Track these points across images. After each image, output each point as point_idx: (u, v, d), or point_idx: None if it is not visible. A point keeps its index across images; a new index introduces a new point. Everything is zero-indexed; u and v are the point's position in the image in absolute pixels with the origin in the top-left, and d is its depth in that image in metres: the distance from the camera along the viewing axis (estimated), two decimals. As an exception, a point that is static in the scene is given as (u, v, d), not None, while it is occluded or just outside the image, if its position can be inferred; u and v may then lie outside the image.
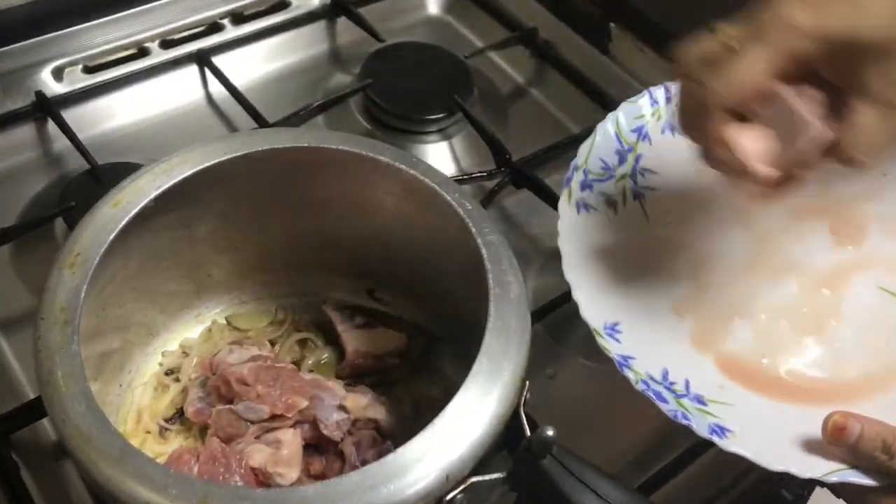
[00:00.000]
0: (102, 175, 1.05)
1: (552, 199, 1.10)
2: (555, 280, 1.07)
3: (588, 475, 0.59)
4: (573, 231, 0.83)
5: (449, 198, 0.74)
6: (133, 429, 0.80)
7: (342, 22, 1.32)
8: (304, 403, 0.78)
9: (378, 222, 0.85)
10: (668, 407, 0.71)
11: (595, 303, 0.77)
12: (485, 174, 1.13)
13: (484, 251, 0.71)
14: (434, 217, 0.78)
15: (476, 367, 0.64)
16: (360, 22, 1.29)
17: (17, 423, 0.82)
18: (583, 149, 0.87)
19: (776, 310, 0.84)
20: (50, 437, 0.84)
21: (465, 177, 1.11)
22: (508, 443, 0.65)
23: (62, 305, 0.64)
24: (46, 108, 1.06)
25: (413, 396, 0.87)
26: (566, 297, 1.00)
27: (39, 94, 1.07)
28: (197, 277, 0.88)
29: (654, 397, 0.71)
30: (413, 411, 0.86)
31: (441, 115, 1.20)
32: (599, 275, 0.81)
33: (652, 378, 0.73)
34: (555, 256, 1.10)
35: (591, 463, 0.61)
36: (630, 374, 0.72)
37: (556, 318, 1.01)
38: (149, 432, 0.81)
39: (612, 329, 0.76)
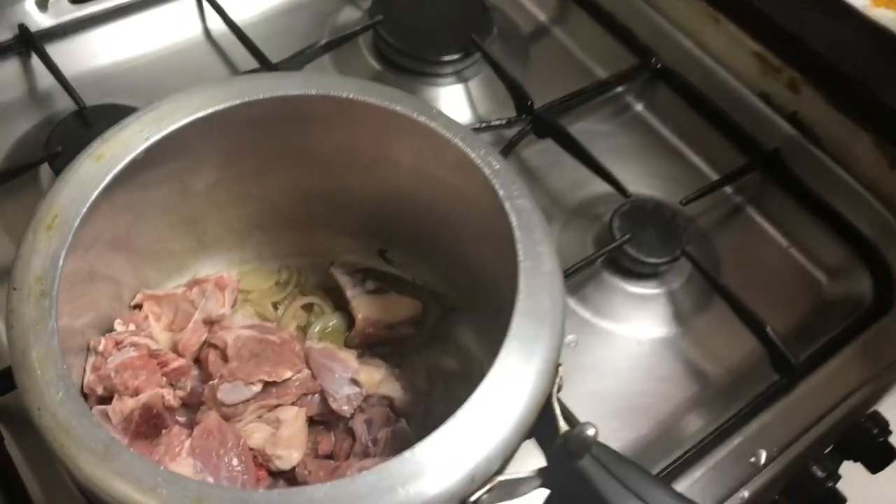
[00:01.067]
0: (91, 117, 0.97)
1: (577, 151, 1.03)
2: (578, 239, 1.00)
3: (632, 478, 0.52)
4: None
5: (473, 155, 0.66)
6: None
7: (351, -48, 1.22)
8: (287, 374, 0.71)
9: (392, 179, 0.78)
10: None
11: None
12: (504, 122, 1.05)
13: (513, 217, 0.63)
14: (455, 175, 0.70)
15: (504, 352, 0.57)
16: (369, -47, 1.18)
17: (1, 389, 0.75)
18: None
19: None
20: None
21: (483, 125, 1.03)
22: (538, 430, 0.58)
23: (37, 275, 0.57)
24: (30, 42, 0.99)
25: (428, 369, 0.80)
26: (590, 258, 0.94)
27: (22, 27, 1.00)
28: (193, 236, 0.80)
29: None
30: (428, 384, 0.79)
31: (457, 56, 1.10)
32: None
33: None
34: (578, 213, 1.04)
35: (634, 463, 0.54)
36: None
37: (578, 281, 0.95)
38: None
39: None
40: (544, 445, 0.58)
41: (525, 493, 0.58)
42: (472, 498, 0.53)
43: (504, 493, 0.56)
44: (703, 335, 0.95)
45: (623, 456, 0.55)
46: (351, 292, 0.80)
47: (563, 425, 0.56)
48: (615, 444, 0.89)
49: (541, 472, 0.56)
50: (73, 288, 0.66)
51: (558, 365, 0.58)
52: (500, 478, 0.54)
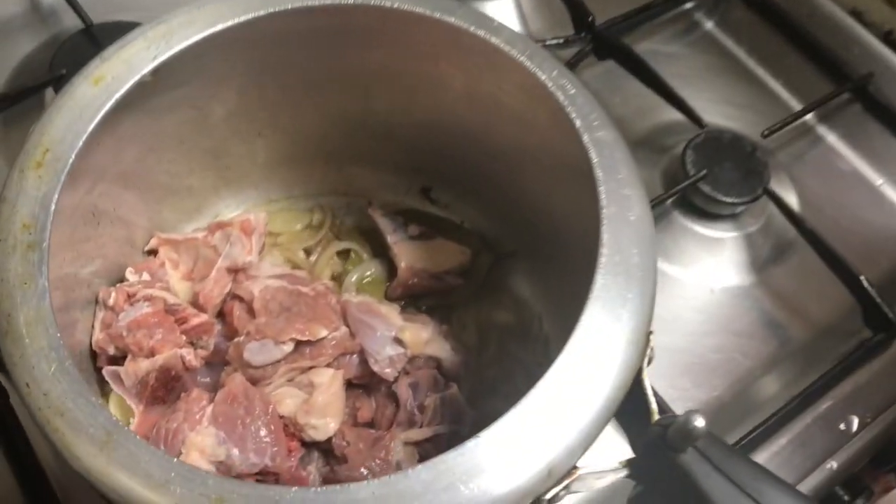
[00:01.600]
0: (99, 35, 0.87)
1: (644, 74, 0.92)
2: (645, 174, 0.89)
3: (744, 475, 0.43)
4: None
5: (543, 77, 0.55)
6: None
7: None
8: (322, 332, 0.62)
9: (440, 105, 0.67)
10: None
11: None
12: (560, 41, 0.94)
13: (593, 153, 0.52)
14: (518, 101, 0.59)
15: (585, 318, 0.47)
16: None
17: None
18: None
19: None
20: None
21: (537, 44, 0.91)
22: (622, 411, 0.48)
23: (25, 222, 0.47)
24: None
25: (478, 323, 0.71)
26: (661, 198, 0.84)
27: (23, -64, 0.87)
28: (214, 171, 0.71)
29: None
30: (479, 342, 0.70)
31: (506, -34, 0.98)
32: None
33: None
34: (644, 145, 0.93)
35: (746, 458, 0.45)
36: None
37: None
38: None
39: None
40: (630, 430, 0.48)
41: (600, 487, 0.48)
42: (549, 495, 0.44)
43: (581, 485, 0.46)
44: (783, 285, 0.85)
45: (733, 448, 0.45)
46: (392, 237, 0.71)
47: (655, 408, 0.46)
48: (685, 405, 0.82)
49: (629, 465, 0.46)
50: (74, 231, 0.57)
51: (649, 333, 0.48)
52: (582, 471, 0.45)
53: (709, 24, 1.04)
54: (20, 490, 0.65)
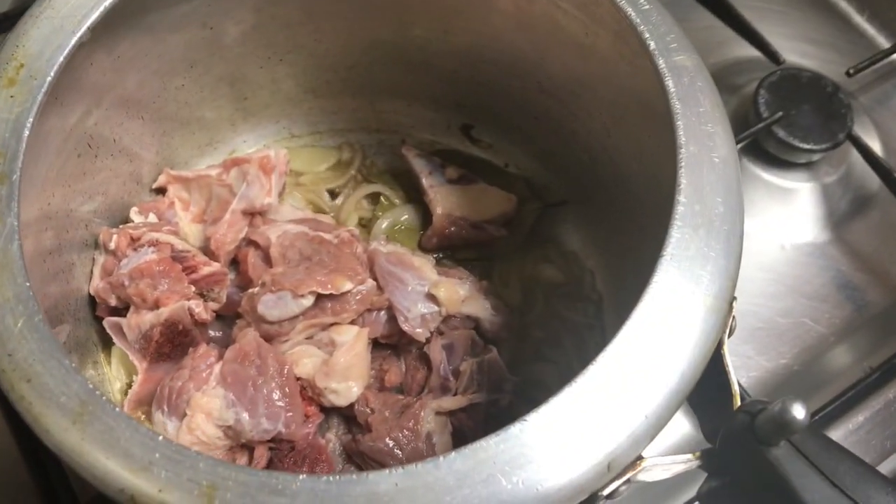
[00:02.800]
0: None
1: (713, 1, 0.82)
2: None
3: (846, 475, 0.35)
4: None
5: (611, -10, 0.46)
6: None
7: None
8: (346, 285, 0.55)
9: (484, 28, 0.59)
10: None
11: None
12: None
13: (670, 81, 0.43)
14: (580, 21, 0.51)
15: (657, 279, 0.39)
16: None
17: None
18: None
19: None
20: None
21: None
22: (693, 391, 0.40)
23: (-8, 149, 0.40)
24: None
25: (522, 279, 0.64)
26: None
27: None
28: (230, 100, 0.64)
29: None
30: (523, 300, 0.62)
31: None
32: None
33: None
34: (715, 79, 0.83)
35: (849, 453, 0.37)
36: None
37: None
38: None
39: None
40: (704, 415, 0.40)
41: (664, 478, 0.41)
42: (607, 491, 0.37)
43: (644, 478, 0.39)
44: (862, 243, 0.77)
45: (834, 443, 0.37)
46: (428, 181, 0.63)
47: (737, 390, 0.38)
48: (748, 374, 0.74)
49: (703, 457, 0.38)
50: (66, 164, 0.50)
51: (733, 299, 0.40)
52: (647, 462, 0.37)
53: (787, -51, 0.93)
54: (23, 458, 0.59)
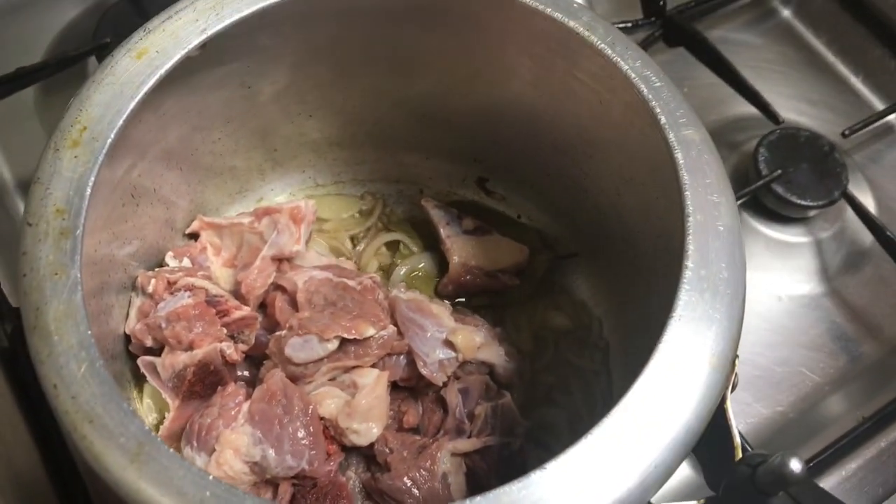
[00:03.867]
0: (146, 3, 0.84)
1: (716, 63, 0.86)
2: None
3: (840, 525, 0.38)
4: None
5: (626, 67, 0.50)
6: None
7: None
8: (369, 331, 0.58)
9: (503, 91, 0.63)
10: None
11: None
12: (628, 25, 0.88)
13: (679, 154, 0.47)
14: (594, 91, 0.54)
15: (667, 339, 0.42)
16: None
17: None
18: None
19: None
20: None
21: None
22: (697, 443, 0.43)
23: (59, 206, 0.44)
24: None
25: (533, 326, 0.67)
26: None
27: None
28: (261, 151, 0.67)
29: None
30: (534, 347, 0.66)
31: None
32: None
33: None
34: (712, 138, 0.87)
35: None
36: None
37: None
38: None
39: None
40: (708, 465, 0.44)
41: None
42: (617, 535, 0.40)
43: (652, 520, 0.42)
44: (856, 296, 0.80)
45: (828, 493, 0.40)
46: (445, 230, 0.66)
47: (739, 442, 0.41)
48: (746, 420, 0.77)
49: (710, 501, 0.42)
50: (112, 212, 0.53)
51: (735, 358, 0.43)
52: (655, 509, 0.40)
53: (786, 13, 0.97)
54: (45, 472, 0.62)
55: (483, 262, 0.66)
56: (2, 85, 0.74)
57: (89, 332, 0.40)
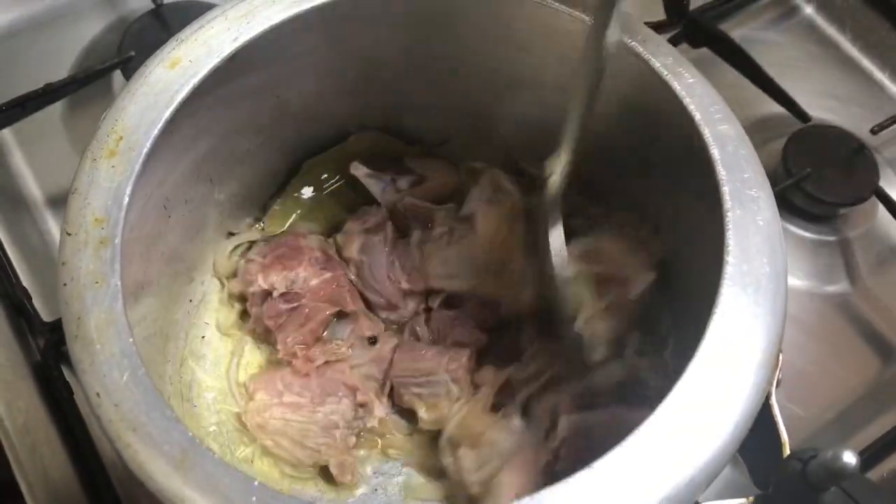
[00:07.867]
0: (169, 16, 0.85)
1: (743, 63, 0.85)
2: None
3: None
4: None
5: (657, 64, 0.50)
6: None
7: None
8: None
9: (535, 93, 0.62)
10: None
11: None
12: (652, 26, 0.86)
13: (715, 150, 0.47)
14: (632, 89, 0.54)
15: (710, 335, 0.41)
16: None
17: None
18: None
19: None
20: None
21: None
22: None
23: (97, 215, 0.44)
24: (100, -70, 0.82)
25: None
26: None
27: (89, -87, 0.84)
28: (294, 159, 0.67)
29: None
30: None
31: (591, -54, 0.92)
32: None
33: None
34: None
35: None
36: None
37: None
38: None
39: None
40: (754, 463, 0.43)
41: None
42: (664, 536, 0.39)
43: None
44: (887, 294, 0.78)
45: (881, 488, 0.40)
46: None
47: (786, 439, 0.41)
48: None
49: (758, 502, 0.41)
50: (145, 225, 0.53)
51: (779, 353, 0.43)
52: (704, 506, 0.40)
53: (809, 9, 0.96)
54: (81, 487, 0.62)
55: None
56: (31, 101, 0.74)
57: (131, 339, 0.40)
